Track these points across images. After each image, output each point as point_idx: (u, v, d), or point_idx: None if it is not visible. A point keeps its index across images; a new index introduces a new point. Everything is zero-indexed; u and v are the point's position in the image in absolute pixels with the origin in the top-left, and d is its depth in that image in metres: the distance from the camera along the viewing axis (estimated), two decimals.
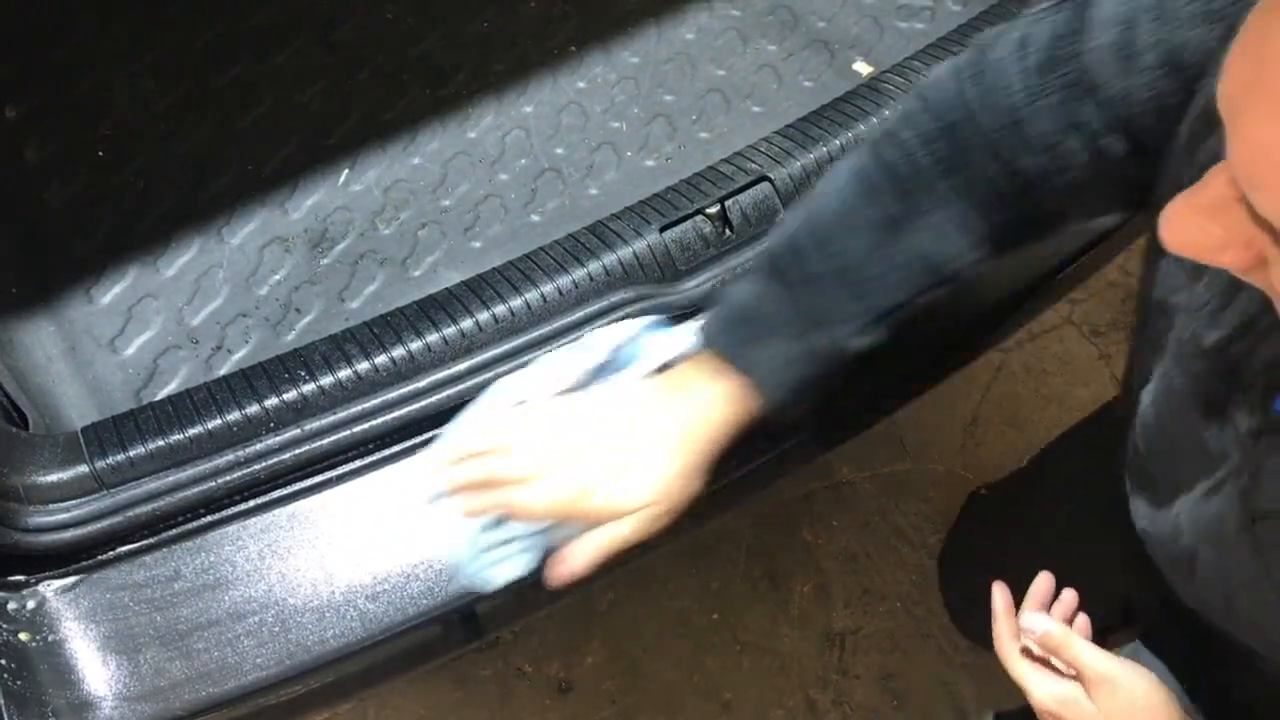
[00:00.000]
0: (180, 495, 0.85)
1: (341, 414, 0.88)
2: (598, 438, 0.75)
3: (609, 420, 0.75)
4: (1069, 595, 0.94)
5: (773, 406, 0.75)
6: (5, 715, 0.81)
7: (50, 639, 0.83)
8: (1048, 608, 0.93)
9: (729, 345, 0.74)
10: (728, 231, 0.98)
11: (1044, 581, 0.94)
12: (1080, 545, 1.31)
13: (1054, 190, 0.70)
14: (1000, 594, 0.93)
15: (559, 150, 1.32)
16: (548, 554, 0.75)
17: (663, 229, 0.96)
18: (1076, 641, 0.84)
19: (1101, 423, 1.27)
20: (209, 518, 0.87)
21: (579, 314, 0.93)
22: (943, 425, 1.94)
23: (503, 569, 0.77)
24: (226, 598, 0.86)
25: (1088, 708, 0.83)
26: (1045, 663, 0.87)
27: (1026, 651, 0.89)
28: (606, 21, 1.44)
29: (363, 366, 0.89)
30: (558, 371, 0.81)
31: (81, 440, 0.85)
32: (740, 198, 0.99)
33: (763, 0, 1.46)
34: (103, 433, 0.86)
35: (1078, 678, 0.84)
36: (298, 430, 0.87)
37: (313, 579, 0.87)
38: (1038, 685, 0.86)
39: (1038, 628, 0.85)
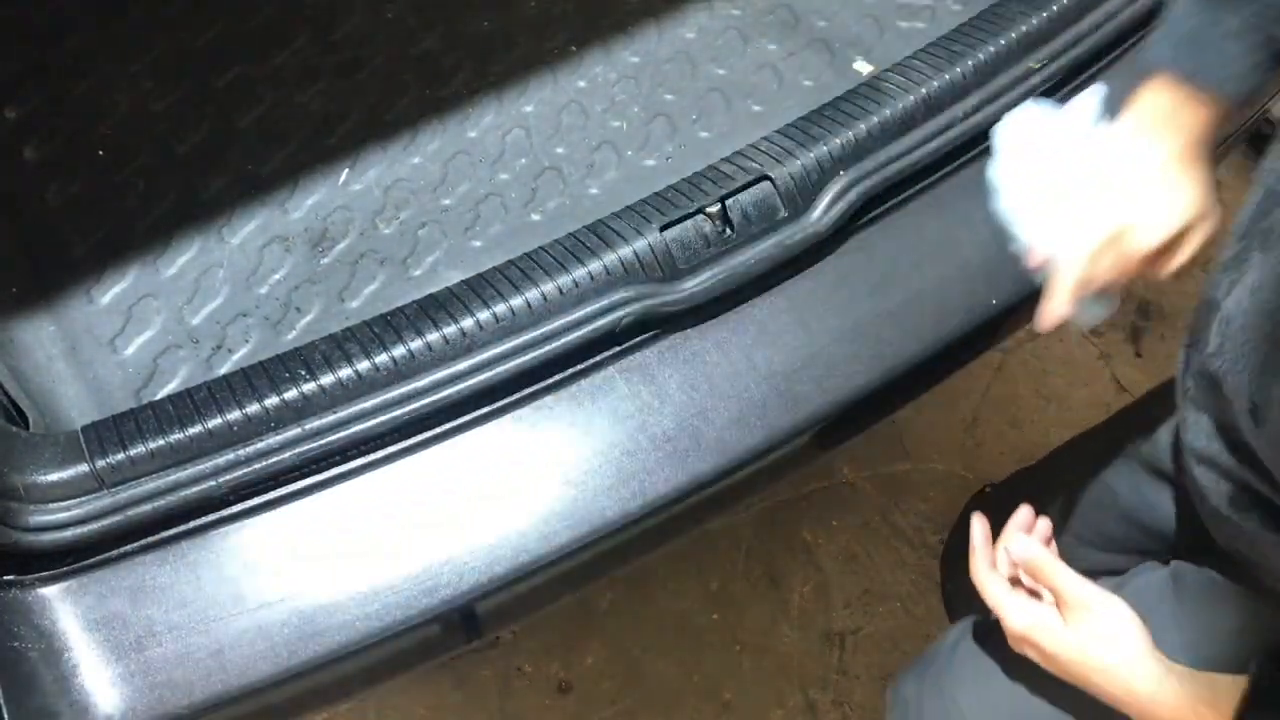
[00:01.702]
0: (180, 495, 0.85)
1: (342, 413, 0.88)
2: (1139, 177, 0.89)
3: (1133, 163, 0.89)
4: (1044, 524, 0.99)
5: (1237, 102, 0.87)
6: (5, 716, 0.81)
7: (50, 638, 0.83)
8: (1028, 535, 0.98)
9: (1191, 71, 0.86)
10: (728, 231, 0.98)
11: (1025, 512, 0.99)
12: (1084, 548, 1.31)
13: None
14: (980, 525, 0.99)
15: (559, 149, 1.32)
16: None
17: (663, 228, 0.96)
18: (1057, 566, 0.89)
19: (1116, 429, 1.27)
20: (209, 517, 0.87)
21: (579, 313, 0.93)
22: (943, 425, 1.94)
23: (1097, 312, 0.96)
24: (226, 597, 0.86)
25: (1060, 631, 0.88)
26: (1020, 591, 0.93)
27: (1012, 581, 0.94)
28: (606, 21, 1.44)
29: (363, 365, 0.89)
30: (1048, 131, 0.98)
31: (82, 439, 0.85)
32: (741, 197, 0.99)
33: (763, 0, 1.46)
34: (103, 432, 0.86)
35: (1054, 603, 0.90)
36: (298, 429, 0.87)
37: (313, 578, 0.87)
38: (1012, 609, 0.92)
39: (1021, 551, 0.90)
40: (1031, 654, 0.93)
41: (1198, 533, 1.00)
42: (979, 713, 1.08)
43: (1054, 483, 1.39)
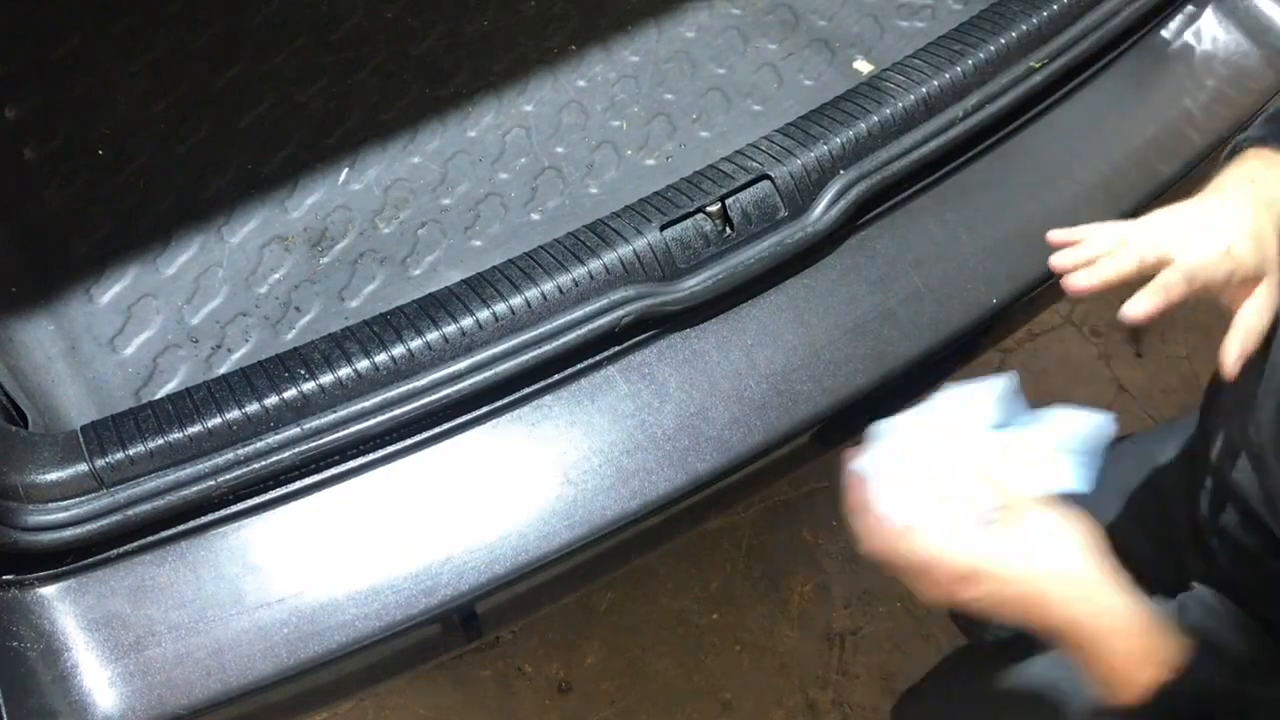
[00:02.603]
0: (180, 494, 0.85)
1: (341, 412, 0.88)
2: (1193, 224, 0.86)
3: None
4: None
5: None
6: (4, 715, 0.81)
7: (49, 638, 0.83)
8: None
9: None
10: (728, 230, 0.98)
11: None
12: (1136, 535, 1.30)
13: None
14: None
15: (559, 149, 1.32)
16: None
17: (663, 227, 0.96)
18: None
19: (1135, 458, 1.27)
20: (208, 517, 0.87)
21: (579, 312, 0.93)
22: None
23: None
24: (226, 596, 0.86)
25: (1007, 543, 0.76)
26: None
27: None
28: (606, 20, 1.44)
29: (363, 365, 0.89)
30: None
31: (81, 439, 0.85)
32: (741, 196, 0.99)
33: (763, 0, 1.46)
34: (102, 432, 0.86)
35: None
36: (297, 429, 0.87)
37: (312, 578, 0.87)
38: (953, 540, 0.78)
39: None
40: (982, 591, 0.76)
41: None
42: None
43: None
